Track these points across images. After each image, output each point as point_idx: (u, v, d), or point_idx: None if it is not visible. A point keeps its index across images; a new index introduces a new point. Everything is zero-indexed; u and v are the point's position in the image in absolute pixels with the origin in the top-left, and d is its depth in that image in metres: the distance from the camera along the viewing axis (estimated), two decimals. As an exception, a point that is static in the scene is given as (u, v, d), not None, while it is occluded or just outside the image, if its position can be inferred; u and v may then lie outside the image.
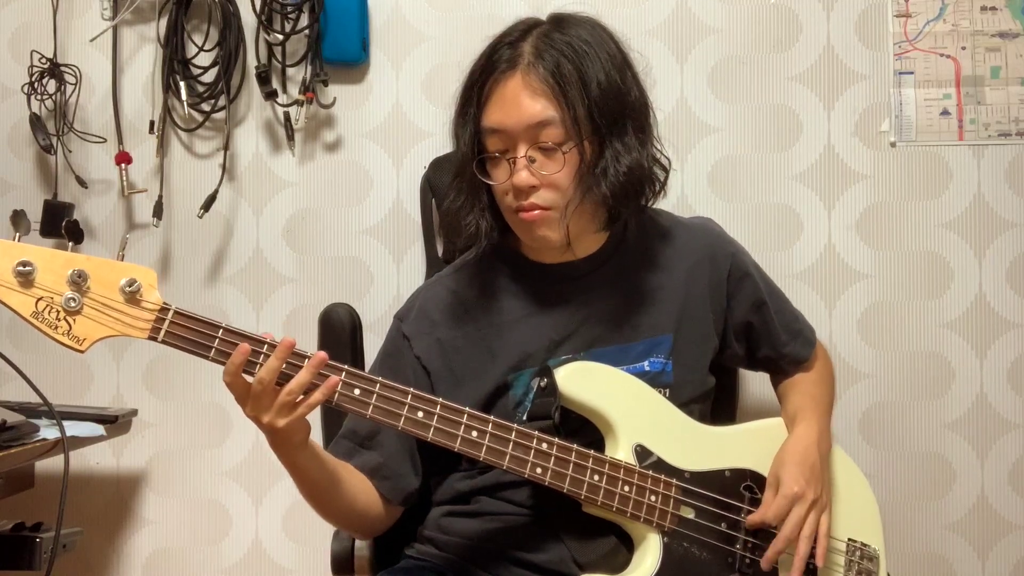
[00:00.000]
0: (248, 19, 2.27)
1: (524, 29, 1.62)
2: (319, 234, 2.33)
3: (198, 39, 2.29)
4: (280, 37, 2.25)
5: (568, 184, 1.59)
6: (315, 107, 2.27)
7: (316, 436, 1.74)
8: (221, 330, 1.40)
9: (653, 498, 1.57)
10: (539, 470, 1.53)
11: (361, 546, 1.89)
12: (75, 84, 2.29)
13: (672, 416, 1.67)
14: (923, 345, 2.28)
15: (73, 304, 1.34)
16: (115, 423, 2.05)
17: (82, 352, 1.36)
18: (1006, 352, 2.27)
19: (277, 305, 2.33)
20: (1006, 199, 2.27)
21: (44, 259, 1.34)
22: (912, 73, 2.26)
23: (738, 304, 1.79)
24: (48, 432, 1.82)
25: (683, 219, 1.84)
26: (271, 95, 2.26)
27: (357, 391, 1.46)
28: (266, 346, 1.41)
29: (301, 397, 1.41)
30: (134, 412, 2.21)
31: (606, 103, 1.58)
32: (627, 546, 1.60)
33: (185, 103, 2.26)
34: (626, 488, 1.56)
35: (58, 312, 1.34)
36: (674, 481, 1.60)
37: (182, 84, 2.26)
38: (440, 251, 2.19)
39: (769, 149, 2.28)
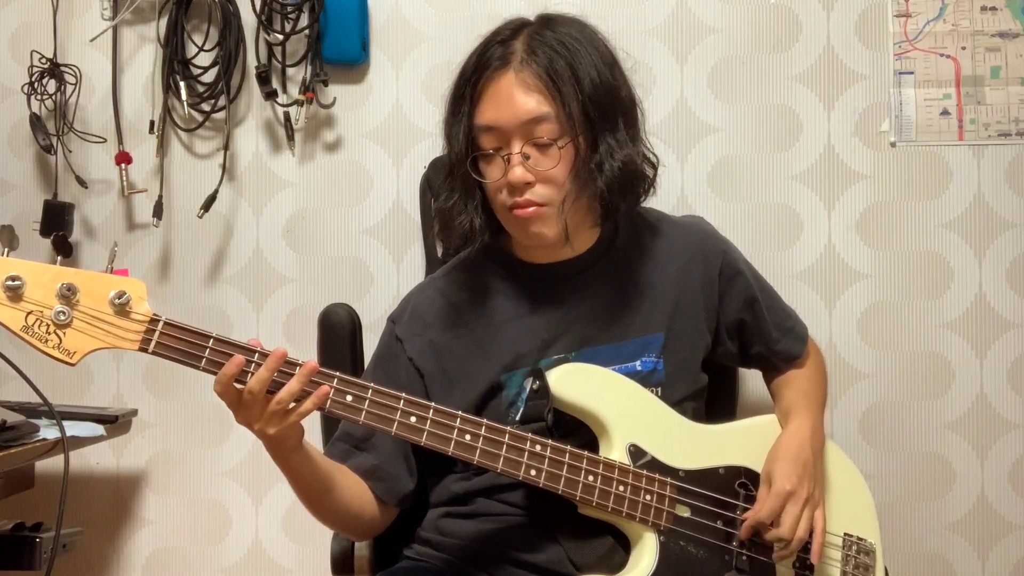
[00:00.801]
0: (248, 19, 2.27)
1: (515, 28, 1.64)
2: (319, 234, 2.33)
3: (198, 39, 2.29)
4: (280, 37, 2.25)
5: (564, 179, 1.59)
6: (315, 107, 2.28)
7: (315, 439, 1.76)
8: (211, 340, 1.40)
9: (648, 497, 1.57)
10: (533, 472, 1.53)
11: (361, 546, 1.89)
12: (75, 84, 2.29)
13: (665, 415, 1.67)
14: (923, 345, 2.28)
15: (63, 318, 1.35)
16: (115, 423, 2.05)
17: (72, 365, 1.36)
18: (1006, 352, 2.27)
19: (277, 305, 2.33)
20: (1006, 199, 2.26)
21: (33, 273, 1.35)
22: (912, 73, 2.26)
23: (730, 302, 1.79)
24: (48, 432, 1.82)
25: (674, 218, 1.84)
26: (271, 95, 2.26)
27: (349, 397, 1.46)
28: (257, 355, 1.41)
29: (293, 405, 1.42)
30: (134, 412, 2.22)
31: (599, 98, 1.59)
32: (623, 546, 1.61)
33: (185, 103, 2.26)
34: (621, 488, 1.56)
35: (48, 326, 1.34)
36: (669, 480, 1.60)
37: (182, 84, 2.26)
38: (440, 251, 2.19)
39: (769, 149, 2.28)
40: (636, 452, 1.60)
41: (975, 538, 2.28)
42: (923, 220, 2.27)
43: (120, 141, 2.31)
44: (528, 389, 1.63)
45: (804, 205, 2.28)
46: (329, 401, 1.45)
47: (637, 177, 1.65)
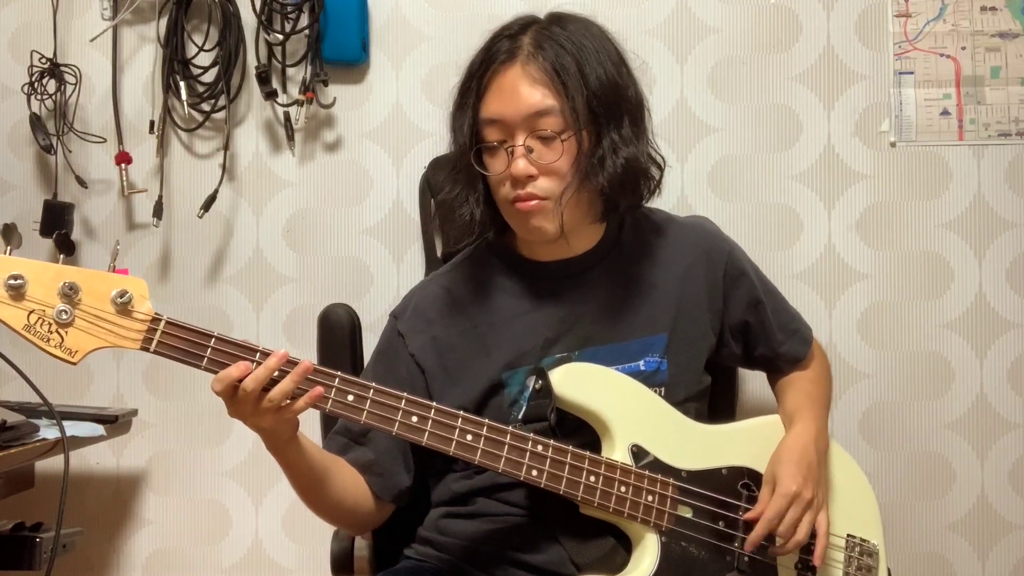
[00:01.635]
0: (248, 19, 2.27)
1: (523, 24, 1.65)
2: (319, 234, 2.33)
3: (198, 39, 2.29)
4: (280, 37, 2.25)
5: (566, 172, 1.60)
6: (315, 107, 2.27)
7: (315, 434, 1.76)
8: (213, 339, 1.41)
9: (650, 498, 1.57)
10: (535, 472, 1.53)
11: (361, 546, 1.89)
12: (75, 84, 2.29)
13: (668, 415, 1.67)
14: (923, 345, 2.28)
15: (65, 316, 1.35)
16: (115, 423, 2.05)
17: (74, 364, 1.37)
18: (1006, 352, 2.27)
19: (277, 305, 2.33)
20: (1006, 199, 2.26)
21: (35, 272, 1.35)
22: (912, 73, 2.26)
23: (734, 303, 1.79)
24: (48, 432, 1.82)
25: (679, 218, 1.84)
26: (271, 95, 2.26)
27: (351, 397, 1.46)
28: (258, 354, 1.42)
29: (287, 402, 1.42)
30: (134, 412, 2.21)
31: (604, 95, 1.60)
32: (625, 546, 1.60)
33: (185, 103, 2.26)
34: (623, 488, 1.56)
35: (50, 324, 1.35)
36: (671, 480, 1.60)
37: (182, 84, 2.26)
38: (439, 251, 2.20)
39: (769, 149, 2.28)
40: (638, 452, 1.60)
41: (975, 538, 2.28)
42: (923, 220, 2.27)
43: (120, 141, 2.31)
44: (531, 388, 1.63)
45: (804, 205, 2.28)
46: (331, 401, 1.45)
47: (640, 176, 1.65)
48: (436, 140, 2.26)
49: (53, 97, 2.28)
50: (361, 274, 2.32)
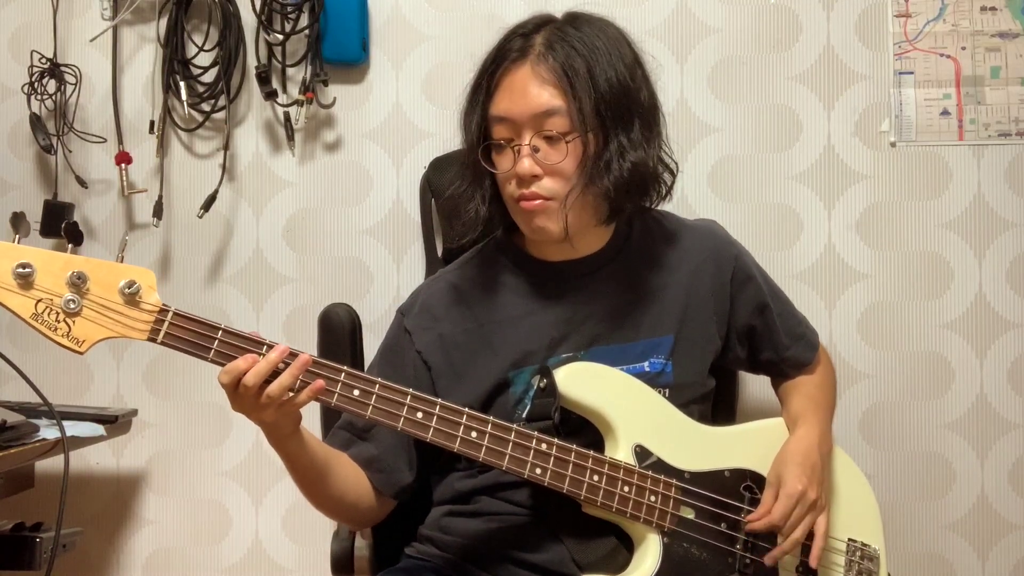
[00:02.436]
0: (248, 19, 2.27)
1: (538, 23, 1.64)
2: (319, 234, 2.33)
3: (198, 39, 2.29)
4: (280, 37, 2.25)
5: (571, 174, 1.59)
6: (315, 107, 2.27)
7: (315, 428, 1.76)
8: (220, 331, 1.41)
9: (653, 498, 1.57)
10: (538, 471, 1.53)
11: (361, 546, 1.89)
12: (75, 84, 2.29)
13: (672, 416, 1.67)
14: (923, 345, 2.28)
15: (72, 306, 1.34)
16: (115, 423, 2.05)
17: (81, 353, 1.36)
18: (1006, 352, 2.27)
19: (277, 305, 2.33)
20: (1006, 199, 2.26)
21: (43, 261, 1.34)
22: (912, 73, 2.26)
23: (741, 307, 1.79)
24: (48, 432, 1.82)
25: (688, 221, 1.84)
26: (271, 95, 2.26)
27: (357, 391, 1.47)
28: (265, 347, 1.42)
29: (289, 395, 1.42)
30: (134, 412, 2.21)
31: (614, 99, 1.59)
32: (627, 546, 1.61)
33: (185, 103, 2.26)
34: (626, 488, 1.56)
35: (58, 314, 1.34)
36: (674, 481, 1.60)
37: (182, 84, 2.26)
38: (440, 251, 2.19)
39: (769, 149, 2.28)
40: (642, 453, 1.60)
41: (975, 538, 2.28)
42: (923, 220, 2.28)
43: (120, 141, 2.31)
44: (535, 387, 1.62)
45: (804, 205, 2.28)
46: (336, 395, 1.45)
47: (648, 180, 1.65)
48: (436, 140, 2.26)
49: (53, 97, 2.28)
50: (361, 274, 2.32)
